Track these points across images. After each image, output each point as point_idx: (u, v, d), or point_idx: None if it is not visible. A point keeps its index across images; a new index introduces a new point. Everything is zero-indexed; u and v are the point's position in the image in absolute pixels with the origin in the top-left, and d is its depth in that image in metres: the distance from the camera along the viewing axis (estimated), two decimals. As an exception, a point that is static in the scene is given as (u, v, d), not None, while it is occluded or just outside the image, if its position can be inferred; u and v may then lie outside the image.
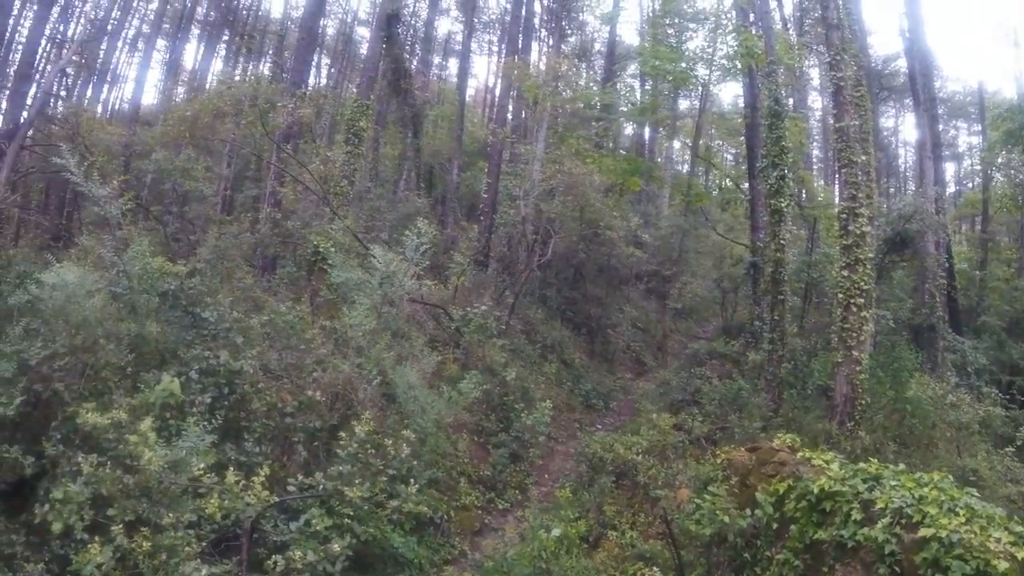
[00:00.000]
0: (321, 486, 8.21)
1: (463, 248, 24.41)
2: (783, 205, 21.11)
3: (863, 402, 15.64)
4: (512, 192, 25.56)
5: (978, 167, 43.23)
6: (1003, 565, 7.90)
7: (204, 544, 7.76)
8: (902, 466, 10.50)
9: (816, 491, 10.16)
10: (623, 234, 26.62)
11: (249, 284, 18.56)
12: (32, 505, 8.96)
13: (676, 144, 51.35)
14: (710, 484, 11.79)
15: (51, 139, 17.10)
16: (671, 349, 29.30)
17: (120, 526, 8.09)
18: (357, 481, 8.03)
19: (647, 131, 45.58)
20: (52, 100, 27.78)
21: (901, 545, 8.88)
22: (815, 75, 44.31)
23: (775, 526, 10.69)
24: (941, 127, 44.15)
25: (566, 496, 13.43)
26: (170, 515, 7.94)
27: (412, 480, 8.60)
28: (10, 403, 9.52)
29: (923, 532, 8.63)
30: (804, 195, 38.71)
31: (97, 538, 8.12)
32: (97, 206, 14.90)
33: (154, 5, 42.27)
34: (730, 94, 67.34)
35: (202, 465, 8.76)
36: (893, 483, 9.73)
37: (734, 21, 29.14)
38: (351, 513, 8.43)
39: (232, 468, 8.45)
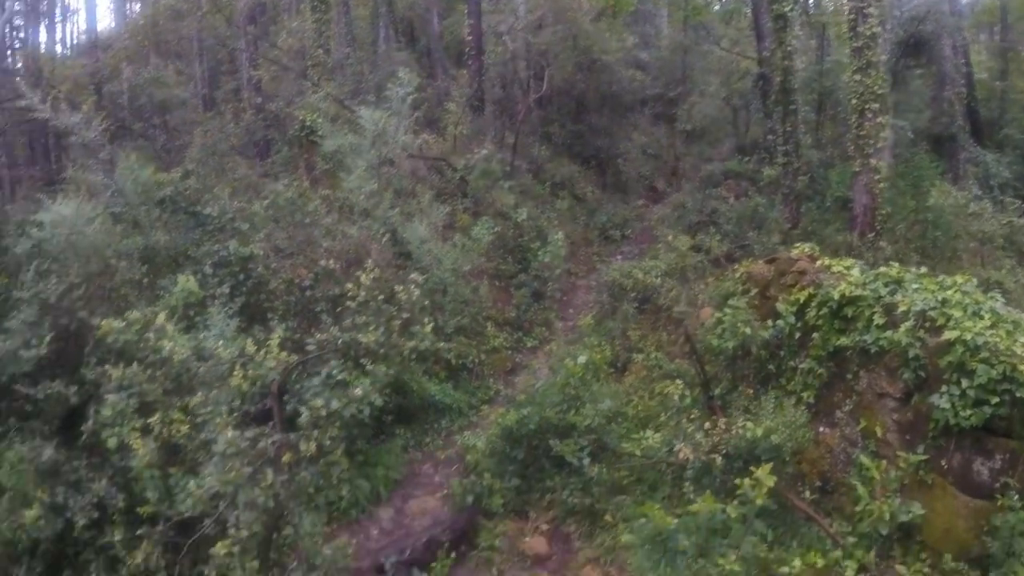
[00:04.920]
0: (339, 339, 8.37)
1: (456, 97, 23.51)
2: (787, 9, 19.87)
3: (883, 212, 15.62)
4: (498, 30, 24.27)
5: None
6: (1029, 370, 7.72)
7: (237, 415, 8.05)
8: (924, 269, 10.29)
9: (837, 297, 10.07)
10: (621, 57, 25.40)
11: (244, 173, 18.46)
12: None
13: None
14: (730, 299, 11.78)
15: (16, 91, 17.02)
16: (685, 173, 28.57)
17: (157, 417, 8.41)
18: (371, 328, 8.16)
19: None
20: (7, 54, 27.10)
21: (925, 349, 8.87)
22: None
23: (797, 335, 10.72)
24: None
25: (588, 324, 13.65)
26: (200, 394, 8.16)
27: (427, 319, 8.70)
28: (40, 343, 9.93)
29: (948, 335, 8.55)
30: (811, 1, 36.36)
31: (141, 438, 8.55)
32: (75, 135, 14.89)
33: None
34: None
35: (228, 349, 8.94)
36: (915, 286, 9.61)
37: None
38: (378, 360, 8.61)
39: (251, 340, 8.61)
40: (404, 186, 16.44)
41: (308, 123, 18.24)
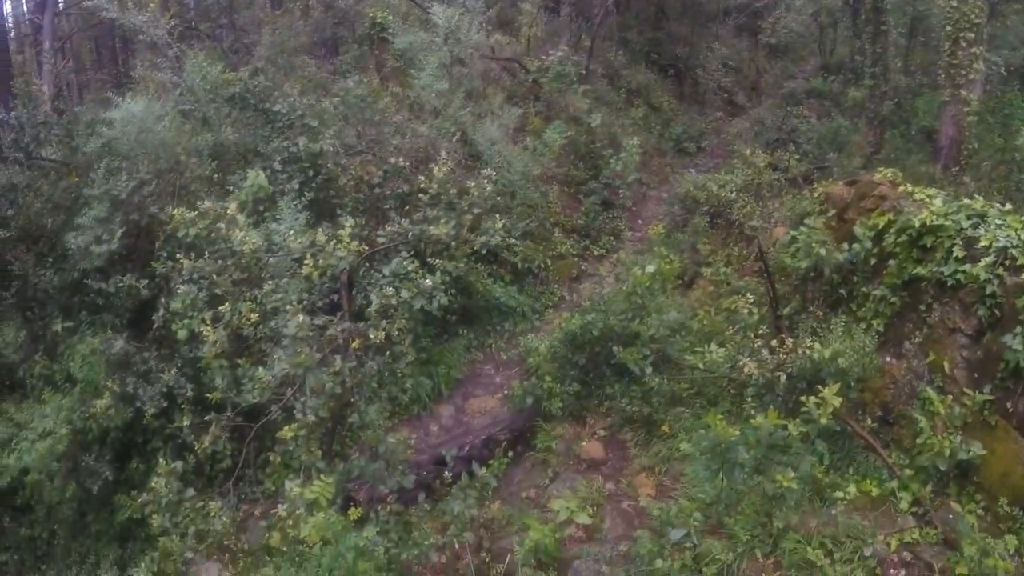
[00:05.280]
0: (409, 232, 8.39)
1: (530, -2, 22.69)
2: (882, -78, 18.36)
3: (970, 147, 14.92)
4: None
5: None
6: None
7: (305, 306, 8.20)
8: (1009, 206, 9.68)
9: (917, 225, 9.56)
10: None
11: (313, 71, 18.36)
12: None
13: None
14: (806, 218, 11.35)
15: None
16: (765, 89, 27.56)
17: (227, 306, 8.64)
18: (442, 221, 8.13)
19: None
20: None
21: (1003, 287, 8.48)
22: None
23: (872, 261, 10.30)
24: None
25: (658, 233, 13.40)
26: (270, 282, 8.33)
27: (498, 216, 8.60)
28: (112, 238, 10.20)
29: (1027, 275, 8.12)
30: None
31: (211, 325, 8.78)
32: (143, 34, 14.95)
33: None
34: None
35: (298, 240, 9.05)
36: (998, 222, 9.06)
37: None
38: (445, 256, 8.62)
39: (321, 231, 8.68)
40: (475, 87, 16.15)
41: (379, 20, 17.96)
